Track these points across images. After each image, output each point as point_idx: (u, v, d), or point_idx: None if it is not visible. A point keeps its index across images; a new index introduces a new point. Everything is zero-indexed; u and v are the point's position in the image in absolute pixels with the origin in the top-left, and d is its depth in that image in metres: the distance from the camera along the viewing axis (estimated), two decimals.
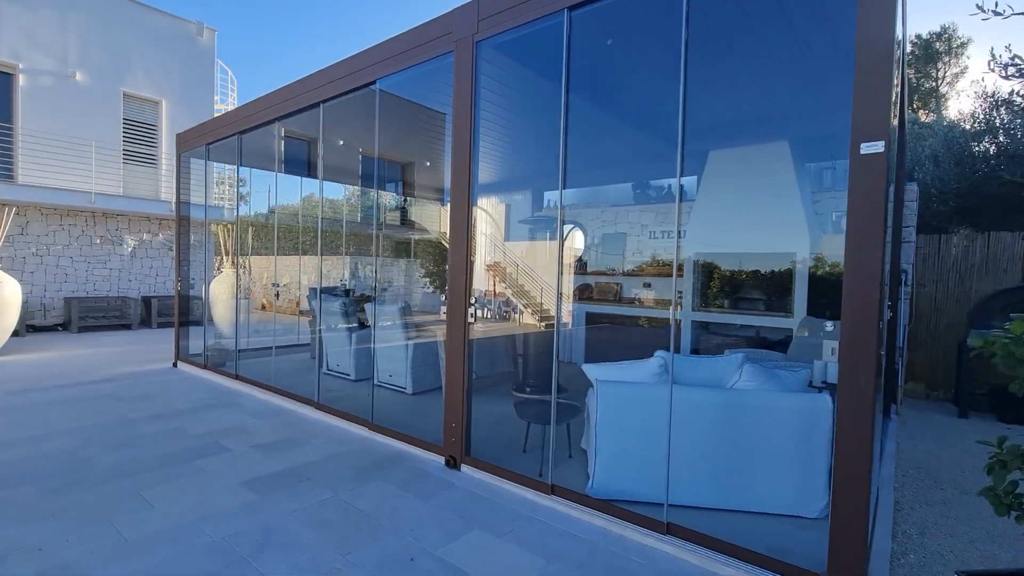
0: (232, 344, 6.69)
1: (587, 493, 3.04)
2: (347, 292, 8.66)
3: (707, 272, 7.00)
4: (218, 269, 9.41)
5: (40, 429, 4.26)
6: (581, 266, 8.99)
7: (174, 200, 7.25)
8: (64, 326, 10.29)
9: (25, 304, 10.06)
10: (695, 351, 6.78)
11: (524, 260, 10.85)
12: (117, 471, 3.45)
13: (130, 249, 11.36)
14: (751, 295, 6.78)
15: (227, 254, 9.36)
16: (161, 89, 11.88)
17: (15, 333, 9.32)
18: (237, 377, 5.95)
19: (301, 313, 7.25)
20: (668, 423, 2.85)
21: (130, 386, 5.81)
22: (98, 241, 10.91)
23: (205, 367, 6.49)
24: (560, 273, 3.57)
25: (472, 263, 3.60)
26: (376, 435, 4.24)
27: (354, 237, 14.99)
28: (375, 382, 5.91)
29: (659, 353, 3.37)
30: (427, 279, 12.28)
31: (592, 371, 3.48)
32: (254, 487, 3.27)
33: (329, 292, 8.46)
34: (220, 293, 9.76)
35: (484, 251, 11.63)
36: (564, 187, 3.37)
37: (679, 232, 6.55)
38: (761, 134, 6.39)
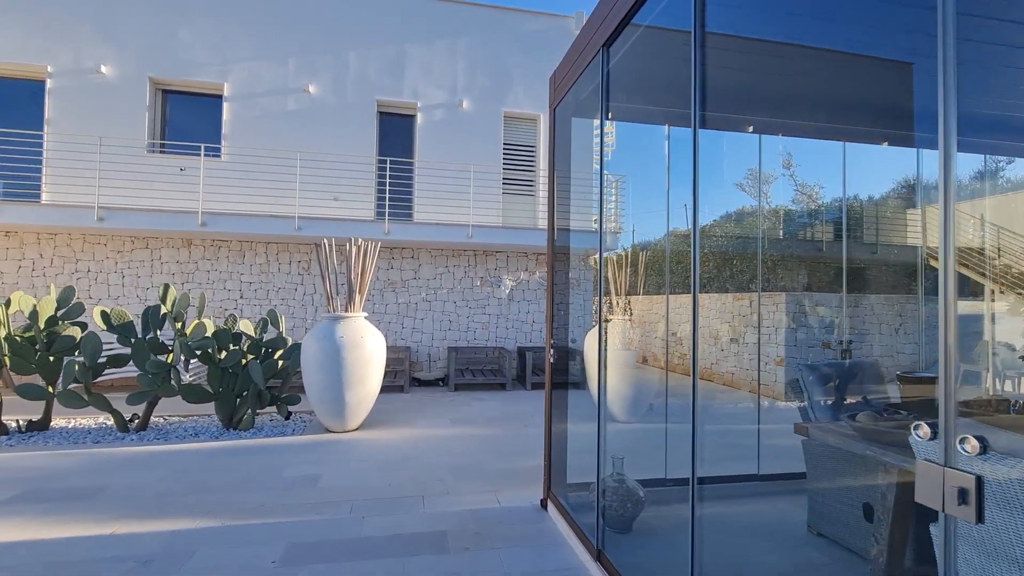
0: (629, 471, 2.90)
1: None
2: (863, 371, 3.81)
3: None
4: (608, 316, 6.14)
5: None
6: None
7: (546, 200, 4.09)
8: (444, 380, 9.08)
9: (415, 354, 9.32)
10: None
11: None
12: None
13: (507, 291, 9.68)
14: None
15: (617, 293, 6.00)
16: (539, 102, 10.14)
17: (399, 388, 8.36)
18: None
19: (799, 428, 2.70)
20: None
21: None
22: (478, 283, 9.57)
23: (583, 538, 2.78)
24: None
25: None
26: None
27: (783, 262, 10.02)
28: None
29: None
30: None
31: None
32: None
33: (823, 374, 3.78)
34: (608, 354, 6.44)
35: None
36: None
37: None
38: None
